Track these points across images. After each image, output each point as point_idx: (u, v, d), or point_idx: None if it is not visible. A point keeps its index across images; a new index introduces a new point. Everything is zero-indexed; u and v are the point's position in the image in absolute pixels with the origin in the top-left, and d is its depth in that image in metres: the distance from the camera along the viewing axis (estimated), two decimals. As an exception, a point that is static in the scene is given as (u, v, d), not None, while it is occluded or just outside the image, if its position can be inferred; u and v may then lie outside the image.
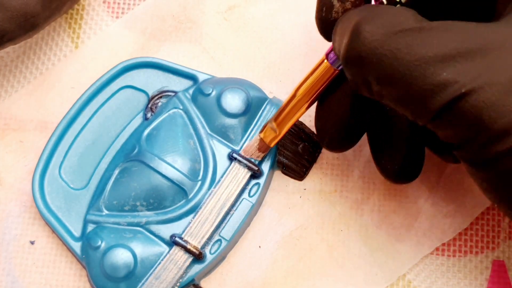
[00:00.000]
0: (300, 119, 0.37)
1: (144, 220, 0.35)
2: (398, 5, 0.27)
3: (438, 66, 0.24)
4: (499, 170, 0.25)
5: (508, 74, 0.24)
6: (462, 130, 0.25)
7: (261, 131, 0.35)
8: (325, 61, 0.31)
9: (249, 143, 0.35)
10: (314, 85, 0.32)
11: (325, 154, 0.38)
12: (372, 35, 0.25)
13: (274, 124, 0.34)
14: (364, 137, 0.34)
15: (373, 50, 0.25)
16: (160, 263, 0.34)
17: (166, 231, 0.35)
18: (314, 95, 0.32)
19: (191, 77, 0.38)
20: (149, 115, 0.37)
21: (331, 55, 0.30)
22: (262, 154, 0.35)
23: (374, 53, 0.25)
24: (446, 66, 0.24)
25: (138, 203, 0.35)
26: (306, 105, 0.33)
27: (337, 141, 0.33)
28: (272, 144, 0.35)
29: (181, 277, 0.34)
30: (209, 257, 0.35)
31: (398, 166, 0.32)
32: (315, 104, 0.33)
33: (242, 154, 0.35)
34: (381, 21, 0.25)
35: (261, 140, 0.35)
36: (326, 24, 0.29)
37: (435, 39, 0.24)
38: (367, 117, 0.32)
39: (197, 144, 0.36)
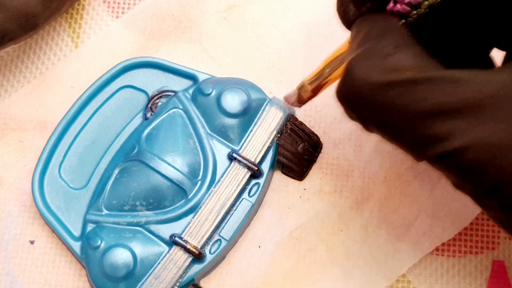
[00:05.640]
0: (300, 119, 0.37)
1: (143, 220, 0.35)
2: (401, 33, 0.26)
3: (429, 120, 0.23)
4: (499, 209, 0.25)
5: (498, 134, 0.23)
6: (454, 178, 0.24)
7: (298, 87, 0.34)
8: None
9: (289, 94, 0.35)
10: None
11: (325, 154, 0.38)
12: (362, 82, 0.25)
13: (309, 87, 0.33)
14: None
15: (363, 97, 0.25)
16: (159, 263, 0.34)
17: (165, 231, 0.35)
18: None
19: (191, 77, 0.38)
20: (148, 115, 0.37)
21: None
22: (300, 105, 0.35)
23: (365, 99, 0.25)
24: (437, 121, 0.23)
25: (137, 203, 0.35)
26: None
27: None
28: (307, 100, 0.34)
29: (181, 277, 0.34)
30: (208, 257, 0.35)
31: None
32: None
33: (284, 100, 0.35)
34: (374, 65, 0.25)
35: (299, 94, 0.34)
36: (347, 22, 0.29)
37: (428, 92, 0.24)
38: None
39: (197, 144, 0.36)
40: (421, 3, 0.26)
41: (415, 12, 0.26)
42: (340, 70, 0.31)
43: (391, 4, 0.27)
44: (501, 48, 0.29)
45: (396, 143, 0.25)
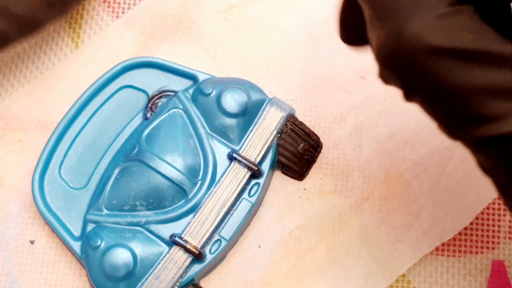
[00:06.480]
0: (300, 119, 0.37)
1: (143, 219, 0.35)
2: None
3: (484, 98, 0.21)
4: None
5: None
6: (490, 162, 0.22)
7: None
8: None
9: None
10: None
11: (325, 154, 0.38)
12: (416, 42, 0.21)
13: None
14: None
15: (415, 59, 0.22)
16: (159, 262, 0.34)
17: (165, 230, 0.35)
18: None
19: (191, 77, 0.38)
20: (149, 115, 0.37)
21: None
22: None
23: (416, 62, 0.22)
24: (492, 101, 0.21)
25: (137, 203, 0.35)
26: None
27: None
28: None
29: (181, 276, 0.34)
30: (208, 257, 0.35)
31: None
32: None
33: None
34: (429, 24, 0.21)
35: None
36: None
37: (489, 67, 0.21)
38: None
39: (197, 144, 0.36)
40: None
41: None
42: None
43: None
44: None
45: (437, 117, 0.23)
